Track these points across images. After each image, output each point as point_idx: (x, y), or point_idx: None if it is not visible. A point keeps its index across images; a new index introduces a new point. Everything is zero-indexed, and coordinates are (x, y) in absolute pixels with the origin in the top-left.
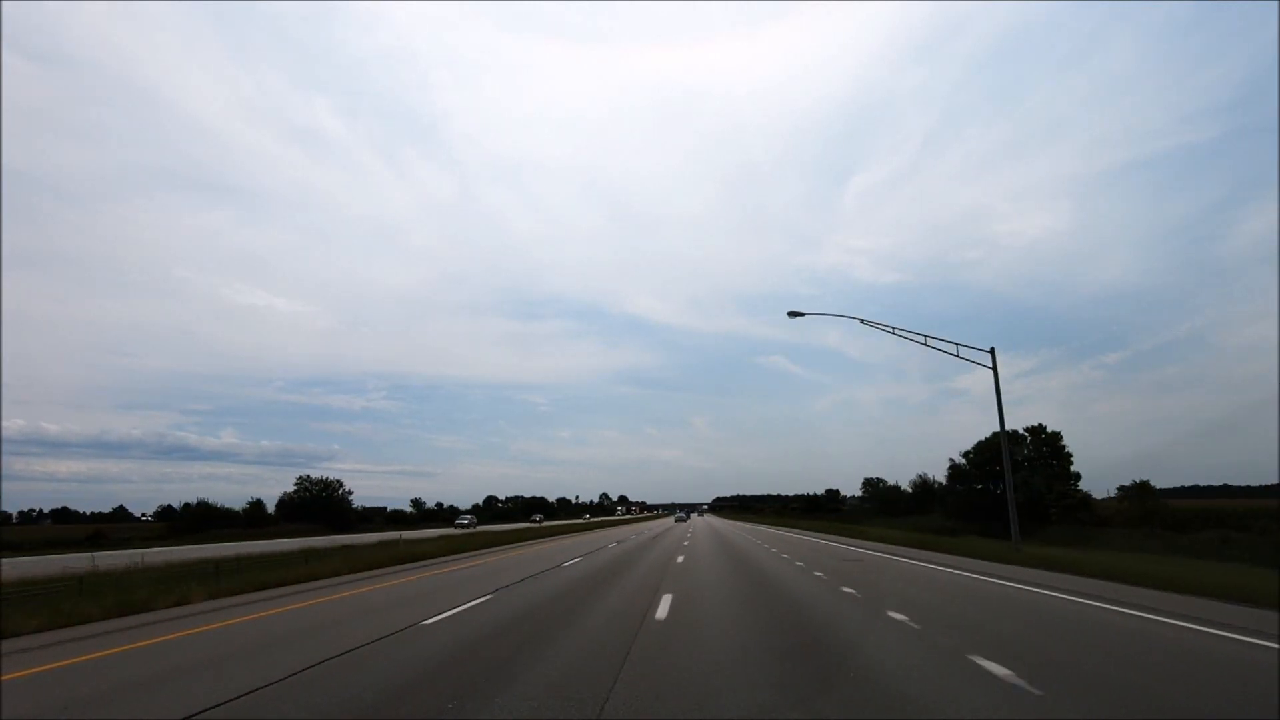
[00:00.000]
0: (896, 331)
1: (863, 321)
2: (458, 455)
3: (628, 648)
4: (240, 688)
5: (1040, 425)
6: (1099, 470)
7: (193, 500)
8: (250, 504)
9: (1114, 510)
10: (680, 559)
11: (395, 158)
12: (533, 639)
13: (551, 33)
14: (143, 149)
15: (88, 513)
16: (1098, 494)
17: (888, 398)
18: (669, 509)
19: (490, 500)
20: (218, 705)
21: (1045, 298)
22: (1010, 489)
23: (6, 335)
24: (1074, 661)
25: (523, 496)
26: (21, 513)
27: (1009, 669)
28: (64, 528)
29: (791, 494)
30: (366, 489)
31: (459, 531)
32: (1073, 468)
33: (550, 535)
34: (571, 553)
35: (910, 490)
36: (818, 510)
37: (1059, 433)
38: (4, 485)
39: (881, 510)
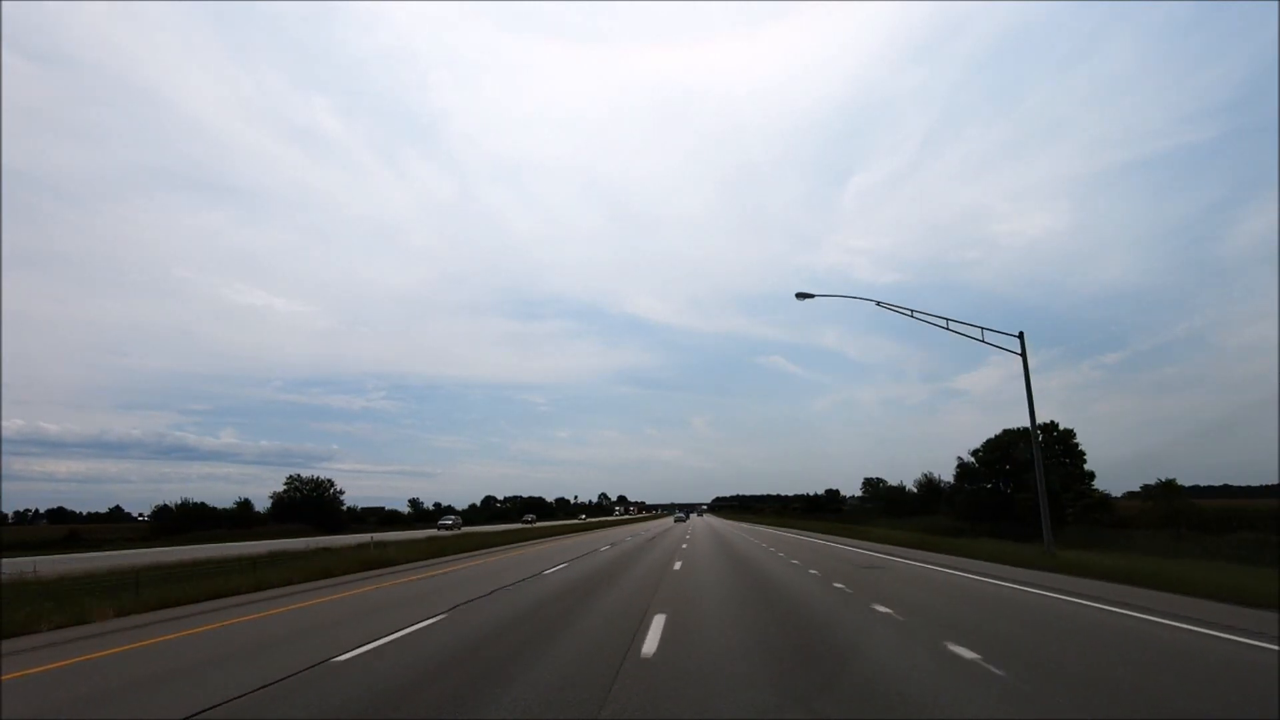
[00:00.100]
0: (915, 315)
1: (878, 304)
2: (457, 455)
3: (599, 707)
4: None
5: (1053, 422)
6: (1099, 470)
7: (193, 500)
8: (238, 504)
9: (1137, 510)
10: (677, 565)
11: (395, 158)
12: (467, 693)
13: (551, 33)
14: (142, 149)
15: (84, 513)
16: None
17: (887, 398)
18: (668, 509)
19: (489, 500)
20: None
21: (1045, 298)
22: (1041, 486)
23: (6, 335)
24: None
25: (521, 497)
26: (17, 513)
27: None
28: (53, 528)
29: (791, 494)
30: (366, 489)
31: (442, 533)
32: (1086, 466)
33: (541, 537)
34: (558, 557)
35: (915, 490)
36: (819, 510)
37: (1072, 430)
38: (4, 485)
39: (886, 510)
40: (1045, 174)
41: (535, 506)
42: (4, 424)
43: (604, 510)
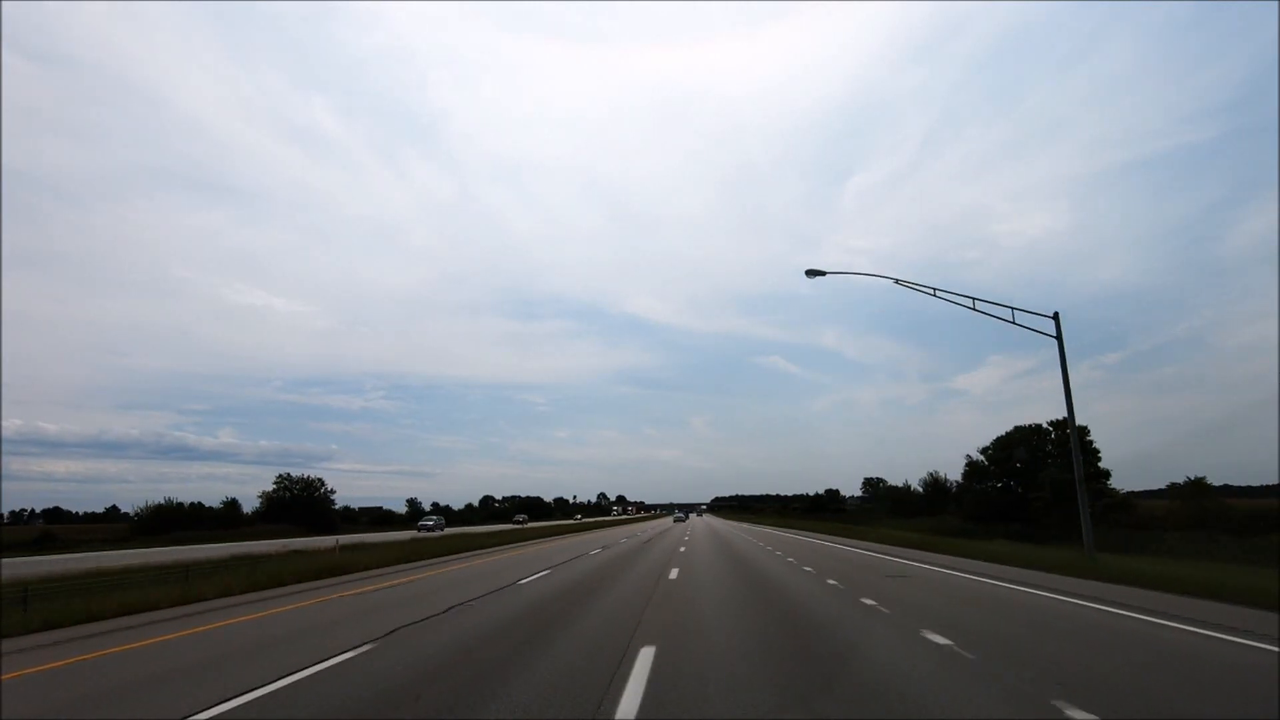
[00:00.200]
0: (939, 293)
1: (897, 281)
2: (456, 455)
3: None
4: None
5: (1065, 418)
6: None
7: (185, 501)
8: (224, 503)
9: (1164, 511)
10: (673, 574)
11: (394, 157)
12: None
13: (551, 33)
14: (142, 149)
15: (80, 513)
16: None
17: (886, 398)
18: (667, 509)
19: (487, 500)
20: None
21: (1044, 298)
22: (1081, 487)
23: (5, 335)
24: None
25: (519, 496)
26: (13, 513)
27: None
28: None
29: (790, 494)
30: (366, 489)
31: (423, 535)
32: (1100, 464)
33: (530, 539)
34: (542, 563)
35: (921, 490)
36: (820, 510)
37: (1086, 426)
38: (3, 485)
39: (891, 511)
40: (1045, 174)
41: (533, 506)
42: (3, 424)
43: (602, 510)
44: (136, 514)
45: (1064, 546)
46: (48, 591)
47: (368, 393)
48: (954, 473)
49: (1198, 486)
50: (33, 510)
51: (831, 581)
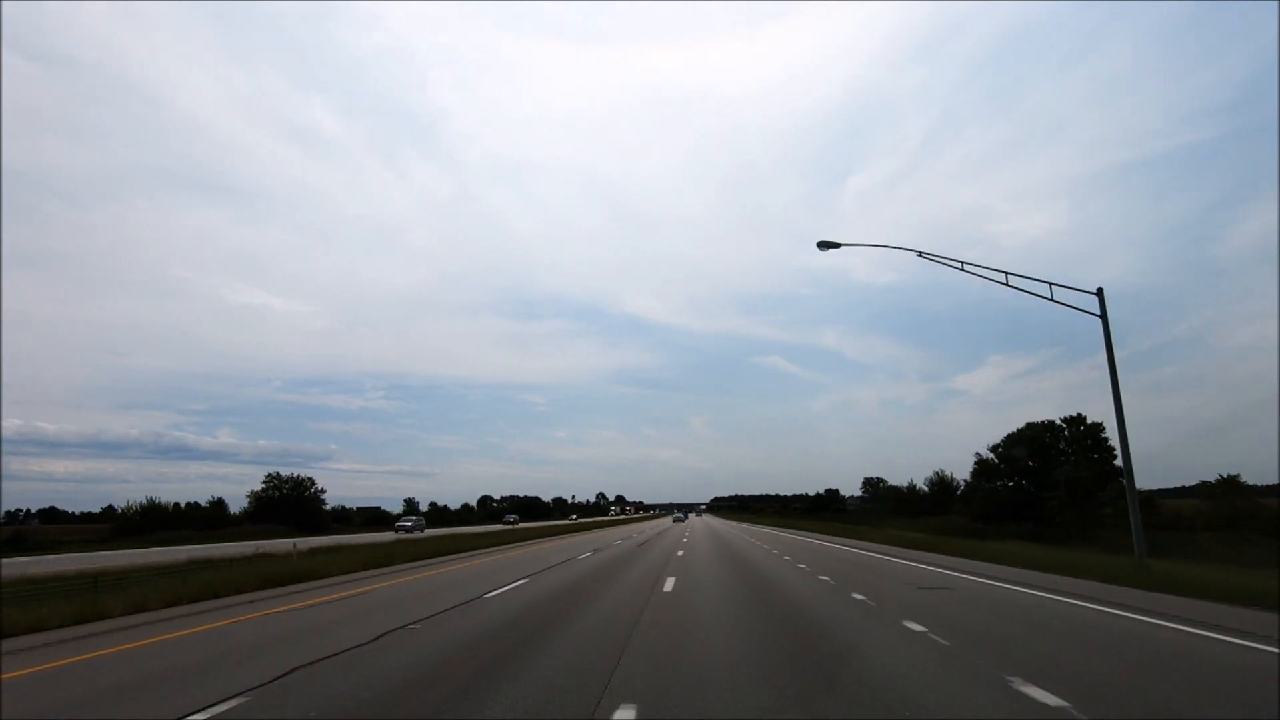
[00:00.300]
0: (965, 267)
1: (920, 254)
2: (456, 455)
3: None
4: None
5: (1079, 415)
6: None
7: (191, 501)
8: (210, 503)
9: (1192, 511)
10: (670, 584)
11: (394, 157)
12: None
13: (551, 33)
14: (141, 148)
15: (77, 513)
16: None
17: (886, 398)
18: (666, 509)
19: (485, 500)
20: None
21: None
22: (1131, 487)
23: (5, 335)
24: None
25: (518, 496)
26: (10, 513)
27: None
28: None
29: (790, 494)
30: (365, 489)
31: (401, 536)
32: (1116, 462)
33: (519, 540)
34: (522, 569)
35: (926, 489)
36: (821, 510)
37: (1100, 424)
38: (3, 485)
39: (895, 510)
40: (1045, 174)
41: (531, 506)
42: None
43: (599, 510)
44: (122, 514)
45: (1088, 548)
46: None
47: (367, 393)
48: (955, 472)
49: (1231, 485)
50: (28, 510)
51: (858, 596)
